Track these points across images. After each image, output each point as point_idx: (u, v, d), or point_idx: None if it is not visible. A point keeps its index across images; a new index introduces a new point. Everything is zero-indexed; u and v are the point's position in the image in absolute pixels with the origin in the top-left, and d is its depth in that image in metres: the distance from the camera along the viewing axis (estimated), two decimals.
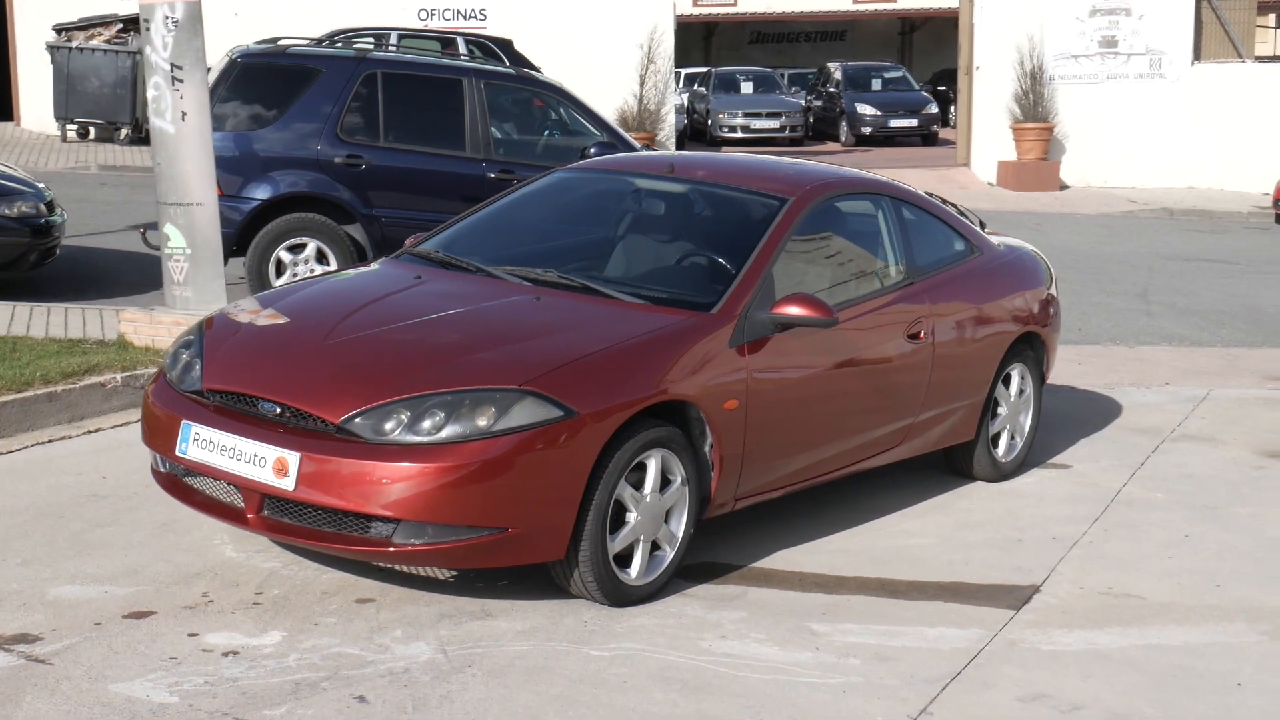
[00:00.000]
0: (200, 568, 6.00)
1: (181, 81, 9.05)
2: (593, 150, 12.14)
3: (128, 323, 9.36)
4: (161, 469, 6.05)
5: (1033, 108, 24.52)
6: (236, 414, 5.67)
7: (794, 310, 6.24)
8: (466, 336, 5.88)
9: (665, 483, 5.88)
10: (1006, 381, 7.98)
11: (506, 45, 22.27)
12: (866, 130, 33.75)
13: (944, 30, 48.79)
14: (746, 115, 33.69)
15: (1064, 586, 6.47)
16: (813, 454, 6.64)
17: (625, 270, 6.68)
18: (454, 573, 6.02)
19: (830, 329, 6.44)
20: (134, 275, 13.00)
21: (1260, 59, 26.65)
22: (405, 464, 5.29)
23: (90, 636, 5.28)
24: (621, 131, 13.11)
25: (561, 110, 12.88)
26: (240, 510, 5.62)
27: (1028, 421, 8.21)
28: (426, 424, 5.38)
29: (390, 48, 19.85)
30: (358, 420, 5.44)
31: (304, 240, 11.74)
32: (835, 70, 36.70)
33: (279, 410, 5.60)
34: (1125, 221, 21.99)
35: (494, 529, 5.39)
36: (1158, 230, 21.23)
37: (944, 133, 35.55)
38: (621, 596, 5.76)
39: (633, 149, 12.43)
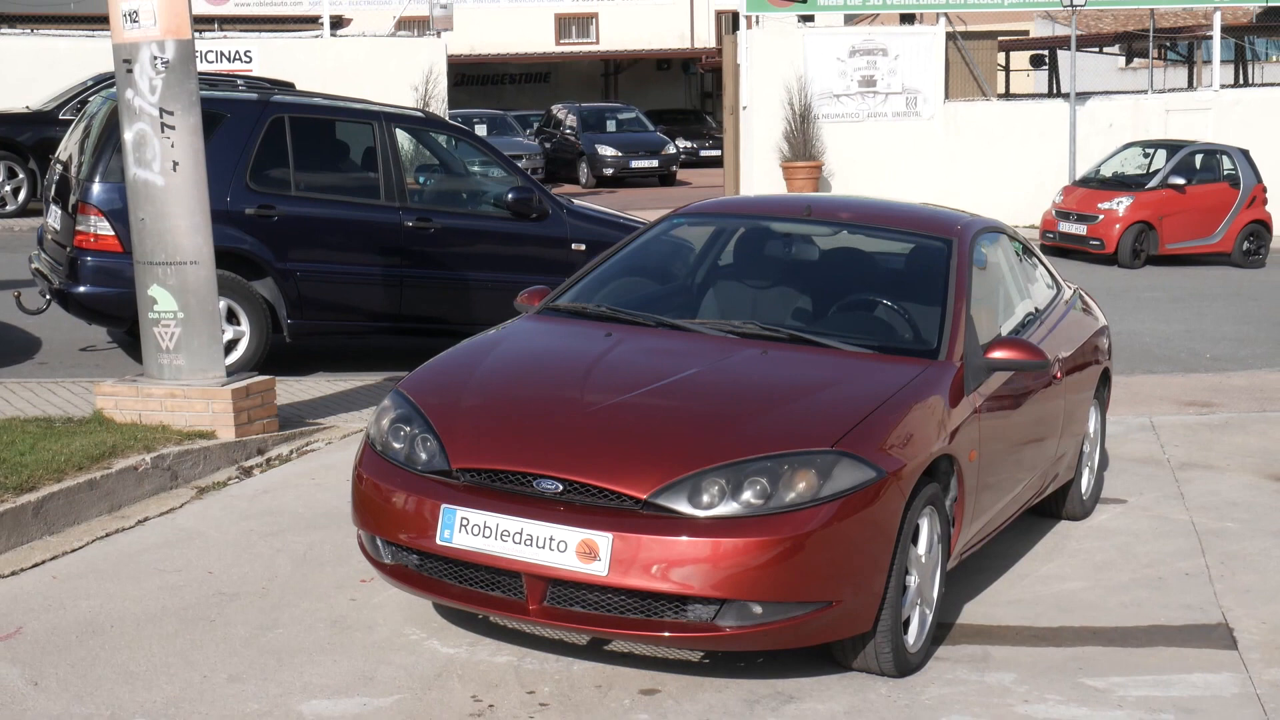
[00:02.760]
0: (430, 669, 5.39)
1: (173, 128, 8.24)
2: (510, 195, 11.71)
3: (106, 397, 8.44)
4: (386, 560, 5.40)
5: (802, 146, 24.98)
6: (507, 495, 5.12)
7: (1009, 354, 6.05)
8: (734, 398, 5.47)
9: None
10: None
11: (288, 89, 21.35)
12: (608, 171, 33.85)
13: (646, 72, 49.56)
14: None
15: (1249, 623, 6.44)
16: (1004, 503, 6.46)
17: (818, 319, 6.35)
18: (702, 654, 5.57)
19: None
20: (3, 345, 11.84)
21: (1002, 96, 27.86)
22: (734, 539, 4.87)
23: None
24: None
25: (473, 154, 12.37)
26: (518, 602, 5.06)
27: (1097, 458, 8.22)
28: (748, 494, 4.97)
29: None
30: (667, 494, 4.97)
31: None
32: (564, 112, 36.68)
33: (559, 488, 5.07)
34: None
35: (821, 603, 5.01)
36: None
37: (681, 174, 35.99)
38: (904, 666, 5.45)
39: (545, 193, 12.04)
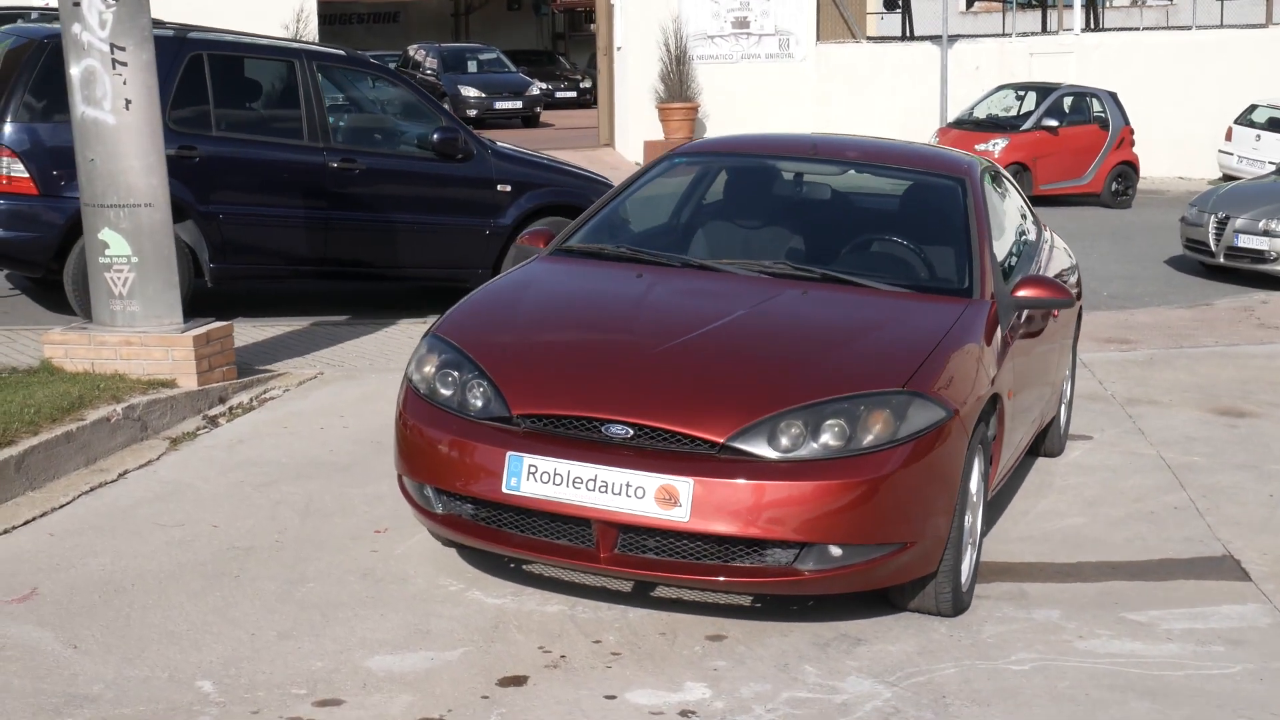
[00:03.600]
0: (484, 621, 5.23)
1: (125, 64, 7.86)
2: (435, 136, 11.45)
3: (55, 345, 8.06)
4: (437, 510, 5.22)
5: (678, 87, 24.89)
6: (575, 441, 4.96)
7: (1037, 292, 6.05)
8: (793, 340, 5.38)
9: None
10: None
11: None
12: (471, 113, 33.33)
13: (497, 12, 48.97)
14: None
15: (1251, 554, 6.54)
16: (1024, 440, 6.49)
17: (845, 258, 6.27)
18: (754, 599, 5.49)
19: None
20: None
21: (871, 39, 28.04)
22: (816, 481, 4.78)
23: (500, 711, 4.50)
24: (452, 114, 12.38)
25: (396, 94, 12.05)
26: (588, 550, 4.93)
27: (1070, 394, 8.30)
28: (826, 436, 4.89)
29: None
30: (745, 437, 4.87)
31: None
32: (423, 53, 36.06)
33: (630, 433, 4.94)
34: None
35: (897, 545, 4.96)
36: None
37: (546, 115, 35.66)
38: (960, 605, 5.44)
39: (471, 133, 11.81)
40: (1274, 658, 5.30)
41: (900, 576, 5.08)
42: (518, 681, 4.72)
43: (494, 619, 5.24)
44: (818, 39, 26.50)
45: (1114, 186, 23.45)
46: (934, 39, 27.15)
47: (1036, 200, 22.88)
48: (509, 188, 11.77)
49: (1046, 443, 7.87)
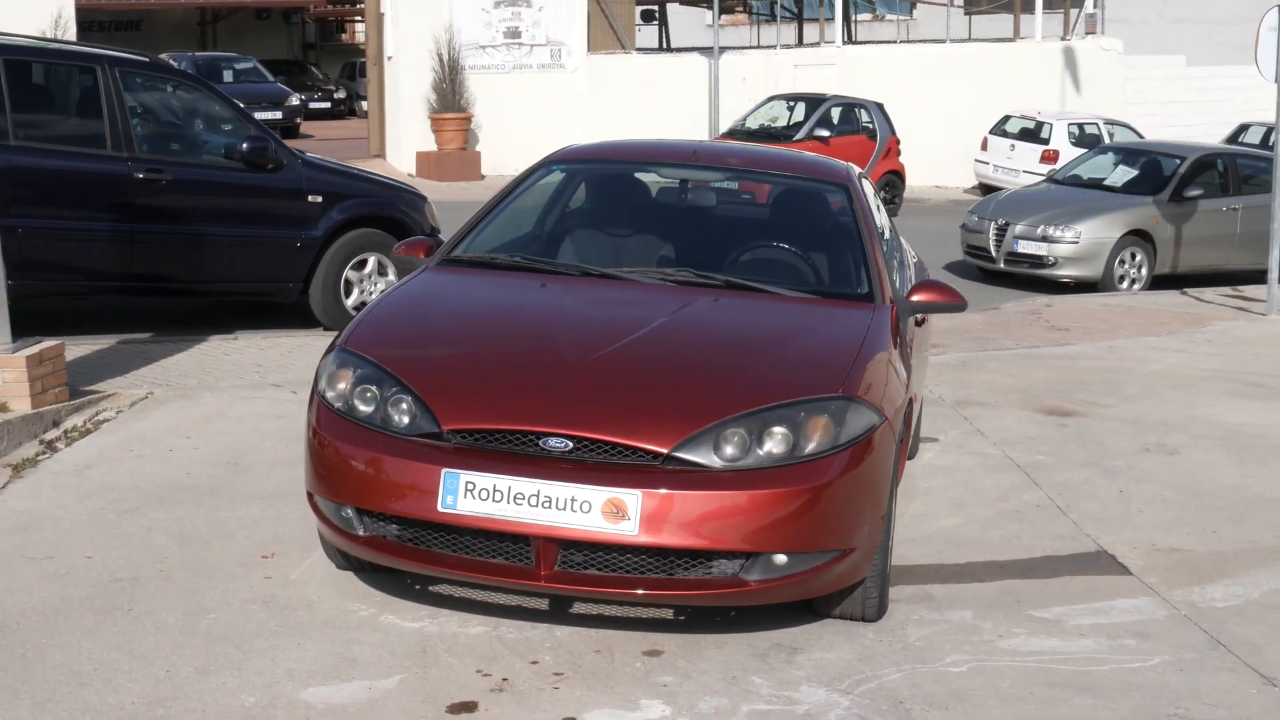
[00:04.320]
0: (410, 645, 5.03)
1: None
2: (245, 146, 11.05)
3: None
4: (359, 532, 4.99)
5: (451, 97, 24.63)
6: (512, 456, 4.80)
7: (931, 297, 6.11)
8: (718, 347, 5.32)
9: None
10: None
11: None
12: None
13: (245, 21, 47.82)
14: None
15: (1122, 549, 6.72)
16: (910, 442, 6.55)
17: (744, 265, 6.21)
18: (676, 612, 5.40)
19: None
20: None
21: (641, 50, 28.20)
22: (763, 490, 4.73)
23: None
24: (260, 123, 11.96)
25: (201, 102, 11.58)
26: (526, 568, 4.77)
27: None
28: (770, 444, 4.83)
29: None
30: (690, 447, 4.78)
31: None
32: (175, 62, 34.87)
33: (569, 445, 4.80)
34: None
35: (837, 551, 4.93)
36: None
37: (304, 126, 34.89)
38: (883, 609, 5.44)
39: (280, 143, 11.44)
40: (1184, 648, 5.44)
41: (840, 583, 5.05)
42: (468, 708, 4.54)
43: (419, 643, 5.04)
44: (589, 49, 26.54)
45: (883, 195, 23.98)
46: (702, 50, 27.46)
47: None
48: (320, 199, 11.44)
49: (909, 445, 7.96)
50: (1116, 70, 31.72)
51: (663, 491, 4.67)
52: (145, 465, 7.07)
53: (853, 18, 36.03)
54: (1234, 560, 6.64)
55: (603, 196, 6.66)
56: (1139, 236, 16.97)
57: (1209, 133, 31.58)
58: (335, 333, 10.88)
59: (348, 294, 11.58)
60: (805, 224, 6.52)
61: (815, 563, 4.87)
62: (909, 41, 29.96)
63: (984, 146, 27.70)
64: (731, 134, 24.30)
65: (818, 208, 6.54)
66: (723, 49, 27.36)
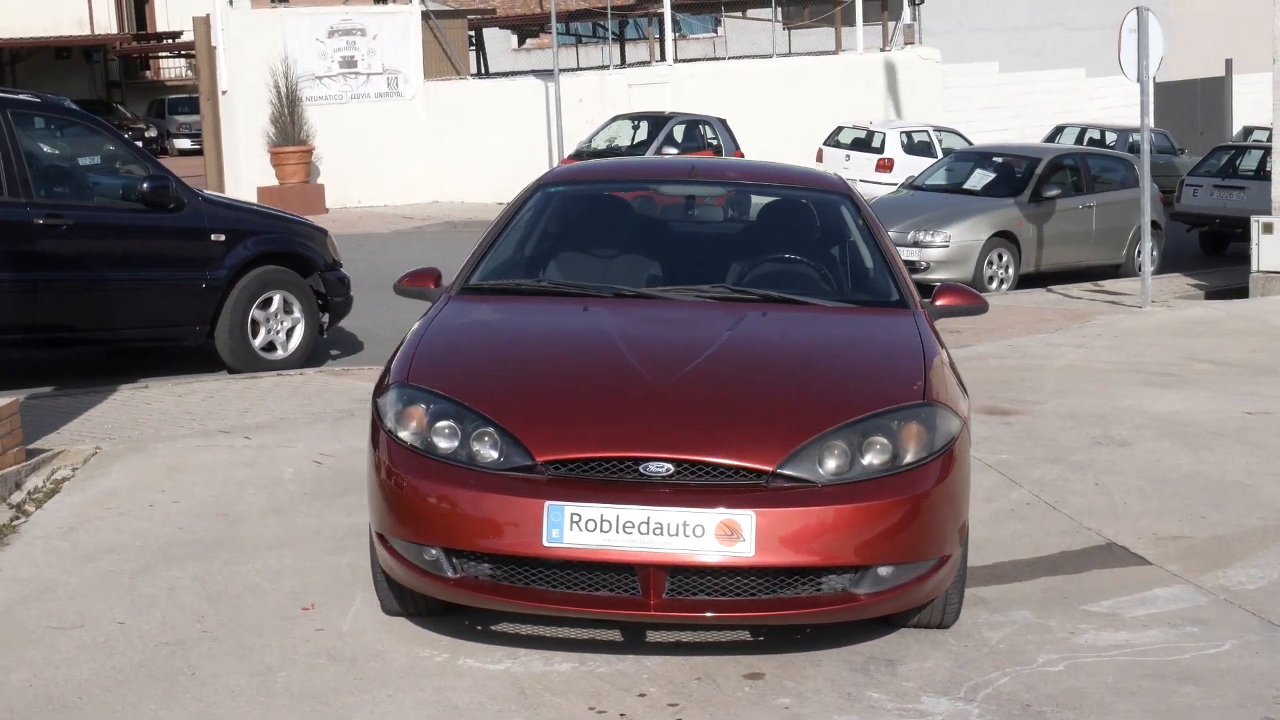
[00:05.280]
0: (506, 689, 4.86)
1: None
2: (146, 186, 10.68)
3: None
4: (448, 574, 4.80)
5: (291, 130, 24.16)
6: (613, 485, 4.67)
7: (956, 300, 6.13)
8: (791, 361, 5.27)
9: None
10: None
11: None
12: None
13: (45, 61, 46.34)
14: None
15: (1130, 539, 6.82)
16: None
17: (772, 278, 6.15)
18: (751, 632, 5.32)
19: None
20: None
21: (475, 75, 28.01)
22: (870, 502, 4.68)
23: None
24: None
25: (96, 141, 11.16)
26: (634, 599, 4.65)
27: None
28: (870, 455, 4.79)
29: None
30: (794, 463, 4.71)
31: None
32: None
33: (670, 469, 4.69)
34: (434, 236, 22.38)
35: (936, 559, 4.91)
36: (473, 242, 21.76)
37: None
38: (957, 616, 5.42)
39: (181, 182, 11.07)
40: (1245, 632, 5.53)
41: (935, 591, 5.02)
42: None
43: (513, 685, 4.88)
44: (425, 76, 26.28)
45: None
46: (539, 73, 27.40)
47: None
48: (223, 237, 11.10)
49: None
50: (936, 79, 32.53)
51: (774, 510, 4.59)
52: (132, 523, 6.75)
53: (677, 35, 36.29)
54: (1236, 544, 6.78)
55: (608, 217, 6.55)
56: (1004, 238, 17.36)
57: (1023, 136, 32.54)
58: (254, 372, 10.65)
59: (254, 334, 11.24)
60: (821, 234, 6.50)
61: (918, 572, 4.84)
62: (737, 57, 30.31)
63: (819, 158, 28.08)
64: (578, 155, 24.27)
65: (829, 217, 6.52)
66: (561, 71, 27.33)
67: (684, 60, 29.45)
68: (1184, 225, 22.41)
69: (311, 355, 11.63)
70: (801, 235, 6.50)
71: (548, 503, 4.60)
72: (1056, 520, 7.11)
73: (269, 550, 6.32)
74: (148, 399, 9.86)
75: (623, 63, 33.19)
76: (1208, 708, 4.75)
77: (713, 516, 4.56)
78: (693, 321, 5.55)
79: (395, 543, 4.92)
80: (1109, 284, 17.54)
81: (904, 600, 4.89)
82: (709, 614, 4.68)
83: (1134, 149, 22.19)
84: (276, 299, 11.33)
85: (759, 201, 6.67)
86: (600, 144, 24.44)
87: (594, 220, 6.55)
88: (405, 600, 5.30)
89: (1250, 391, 10.41)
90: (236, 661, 5.11)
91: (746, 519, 4.56)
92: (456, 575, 4.80)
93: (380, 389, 5.23)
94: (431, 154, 26.10)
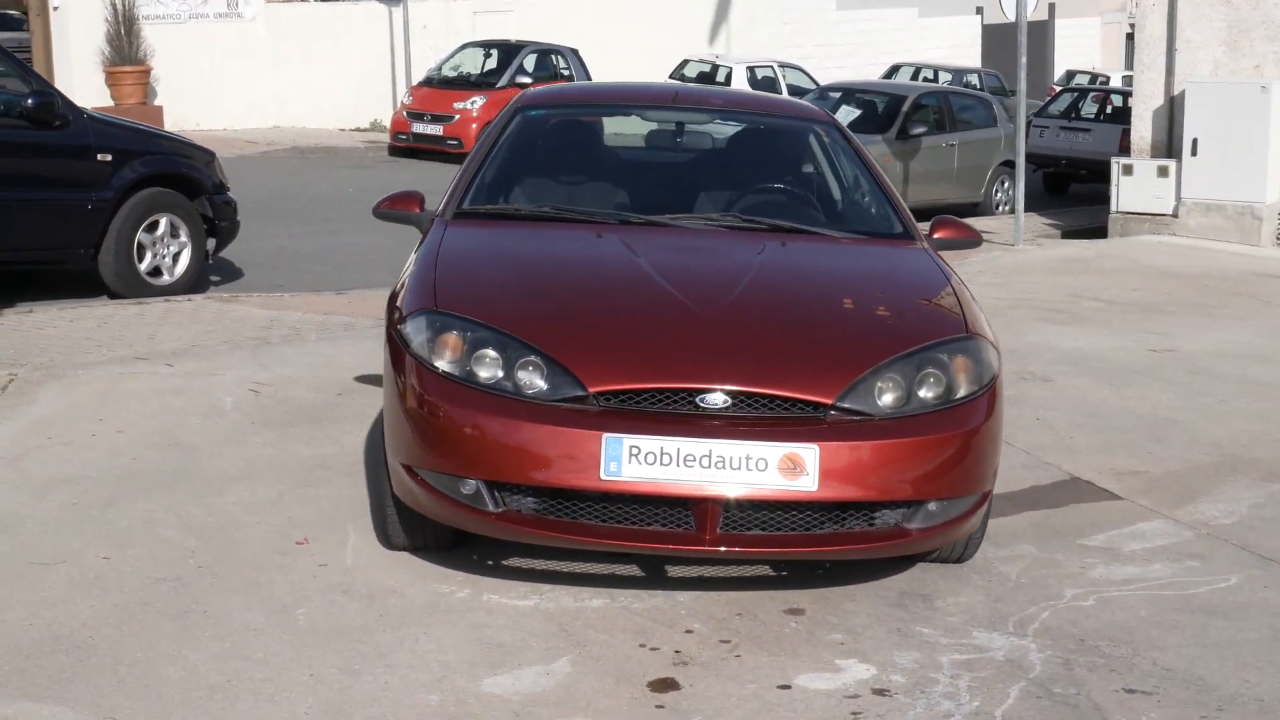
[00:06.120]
0: (547, 626, 4.70)
1: None
2: (30, 101, 10.12)
3: None
4: (490, 508, 4.59)
5: (127, 50, 23.18)
6: (673, 417, 4.51)
7: (953, 234, 6.08)
8: (829, 291, 5.16)
9: None
10: None
11: None
12: None
13: None
14: None
15: (1091, 474, 6.86)
16: None
17: (776, 207, 6.01)
18: (771, 568, 5.23)
19: None
20: None
21: None
22: (929, 436, 4.62)
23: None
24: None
25: None
26: (687, 533, 4.52)
27: None
28: (924, 389, 4.71)
29: None
30: (851, 396, 4.61)
31: None
32: None
33: (728, 401, 4.55)
34: (282, 162, 21.74)
35: (979, 495, 4.87)
36: (323, 169, 21.25)
37: None
38: (975, 550, 5.39)
39: (66, 99, 10.53)
40: (1244, 566, 5.61)
41: (973, 528, 4.99)
42: (669, 685, 4.28)
43: (551, 623, 4.71)
44: None
45: None
46: None
47: None
48: (110, 157, 10.57)
49: None
50: (775, 15, 32.59)
51: (836, 443, 4.49)
52: (80, 453, 6.38)
53: None
54: (1192, 479, 6.87)
55: (596, 143, 6.34)
56: None
57: (859, 74, 32.76)
58: (147, 299, 10.15)
59: (140, 258, 10.75)
60: (814, 164, 6.38)
61: (963, 508, 4.79)
62: None
63: None
64: (428, 81, 23.78)
65: (819, 146, 6.40)
66: None
67: None
68: (1030, 165, 22.81)
69: (195, 281, 11.19)
70: (795, 165, 6.38)
71: (605, 435, 4.42)
72: (1015, 456, 7.13)
73: (237, 482, 6.03)
74: (39, 324, 9.38)
75: None
76: (1246, 641, 4.80)
77: (776, 450, 4.43)
78: (718, 250, 5.40)
79: (426, 474, 4.69)
80: (974, 221, 17.76)
81: (949, 536, 4.84)
82: (764, 549, 4.56)
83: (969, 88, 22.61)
84: (163, 222, 10.86)
85: (747, 129, 6.52)
86: (450, 72, 23.97)
87: (583, 146, 6.34)
88: (415, 534, 5.09)
89: (1146, 329, 10.62)
90: (246, 598, 4.85)
91: (810, 453, 4.45)
92: (499, 509, 4.60)
93: (399, 317, 4.96)
94: (273, 77, 25.34)
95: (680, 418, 4.51)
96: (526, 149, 6.20)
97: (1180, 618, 4.98)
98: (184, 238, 11.00)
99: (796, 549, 4.59)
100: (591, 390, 4.55)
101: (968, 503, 4.80)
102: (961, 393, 4.77)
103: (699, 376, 4.56)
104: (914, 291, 5.25)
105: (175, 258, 10.98)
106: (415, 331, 4.82)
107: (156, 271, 10.88)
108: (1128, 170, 16.95)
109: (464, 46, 24.64)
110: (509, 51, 23.99)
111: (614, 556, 5.09)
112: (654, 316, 4.84)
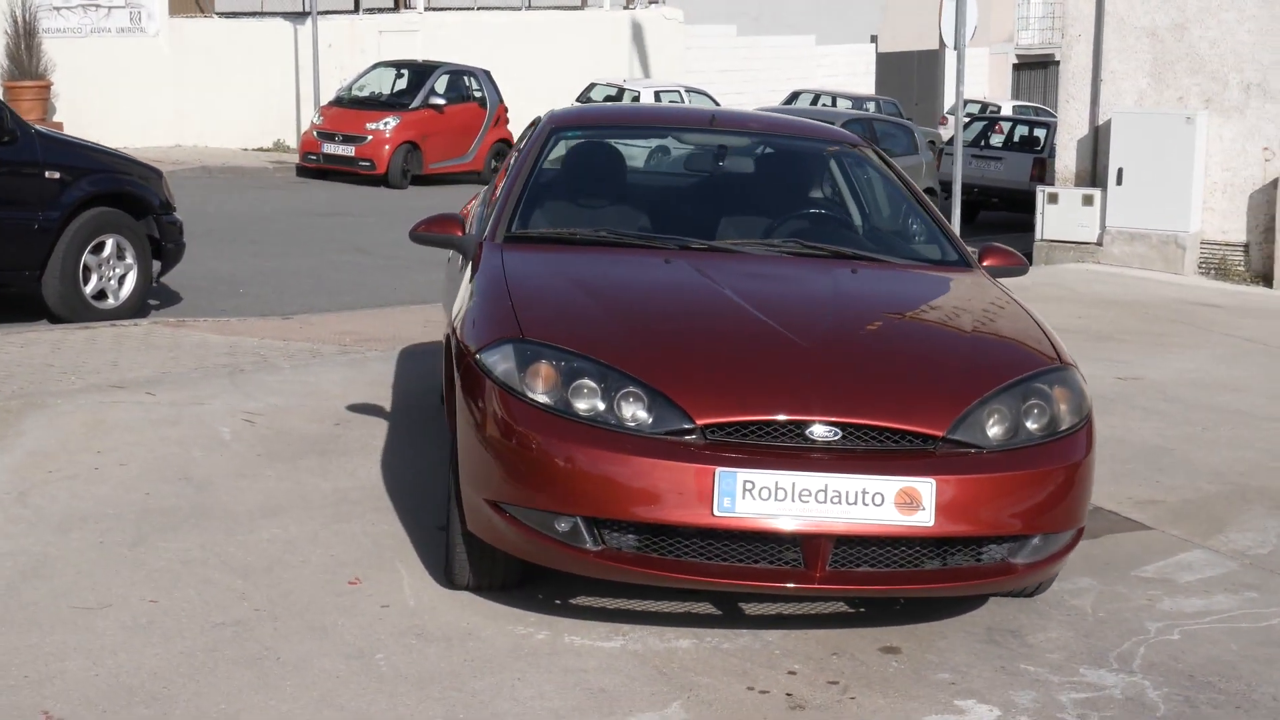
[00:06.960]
0: (640, 670, 4.52)
1: None
2: None
3: None
4: (589, 546, 4.40)
5: (28, 63, 22.51)
6: (783, 451, 4.36)
7: (1002, 261, 5.99)
8: (915, 322, 5.02)
9: None
10: None
11: None
12: None
13: None
14: None
15: (1113, 504, 6.79)
16: None
17: (832, 232, 5.88)
18: (848, 604, 5.09)
19: None
20: None
21: (221, 14, 26.65)
22: (1037, 469, 4.52)
23: None
24: None
25: None
26: (797, 571, 4.36)
27: None
28: (1030, 420, 4.61)
29: None
30: (961, 429, 4.50)
31: None
32: None
33: (837, 434, 4.40)
34: (192, 181, 21.22)
35: (1076, 529, 4.78)
36: (234, 189, 20.81)
37: None
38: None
39: (14, 113, 10.12)
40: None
41: (1065, 563, 4.87)
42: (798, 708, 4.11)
43: (646, 665, 4.53)
44: (170, 12, 24.88)
45: (493, 164, 23.79)
46: (288, 15, 26.29)
47: (426, 180, 22.73)
48: (58, 175, 10.17)
49: None
50: (679, 39, 32.65)
51: (951, 477, 4.36)
52: (88, 488, 6.07)
53: None
54: (1211, 507, 6.86)
55: (640, 165, 6.17)
56: None
57: (759, 100, 32.92)
58: (95, 323, 9.75)
59: (85, 280, 10.35)
60: (860, 189, 6.28)
61: (1063, 542, 4.70)
62: (489, 8, 29.66)
63: None
64: (339, 101, 23.41)
65: (862, 171, 6.30)
66: (304, 14, 26.24)
67: (435, 9, 28.62)
68: (942, 193, 23.04)
69: (139, 306, 10.80)
70: (842, 189, 6.28)
71: (719, 469, 4.25)
72: None
73: (264, 518, 5.77)
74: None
75: (356, 8, 32.07)
76: None
77: (892, 484, 4.29)
78: (791, 278, 5.27)
79: (515, 510, 4.48)
80: None
81: (1049, 571, 4.74)
82: (873, 586, 4.42)
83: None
84: (110, 243, 10.47)
85: (788, 152, 6.40)
86: (360, 92, 23.61)
87: (625, 168, 6.16)
88: (484, 574, 4.88)
89: (1104, 358, 10.65)
90: (318, 644, 4.60)
91: (926, 487, 4.31)
92: (598, 546, 4.40)
93: (476, 347, 4.74)
94: (176, 95, 24.77)
95: (789, 451, 4.36)
96: (567, 171, 6.03)
97: (1271, 651, 4.92)
98: (130, 259, 10.62)
99: (904, 585, 4.46)
100: (699, 423, 4.37)
101: (1067, 537, 4.70)
102: (1065, 424, 4.67)
103: (804, 408, 4.42)
104: (997, 321, 5.14)
105: (121, 280, 10.59)
106: (500, 360, 4.61)
107: (102, 295, 10.49)
108: (1053, 199, 17.13)
109: (375, 66, 24.30)
110: (421, 72, 23.69)
111: (686, 594, 4.92)
112: (754, 347, 4.68)
